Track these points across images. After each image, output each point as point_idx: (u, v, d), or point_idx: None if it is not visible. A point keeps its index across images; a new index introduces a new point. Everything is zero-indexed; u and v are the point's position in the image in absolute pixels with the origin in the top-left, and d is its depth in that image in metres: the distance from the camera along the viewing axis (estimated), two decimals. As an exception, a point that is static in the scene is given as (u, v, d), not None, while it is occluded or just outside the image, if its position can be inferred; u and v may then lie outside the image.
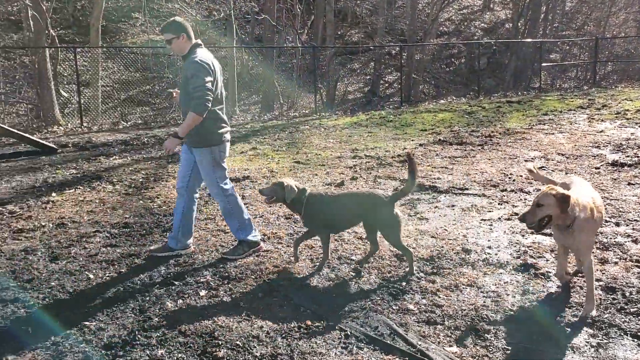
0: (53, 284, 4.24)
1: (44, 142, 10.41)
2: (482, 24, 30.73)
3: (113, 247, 5.04)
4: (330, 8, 21.40)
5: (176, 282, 4.18)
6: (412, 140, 10.53)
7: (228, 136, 4.64)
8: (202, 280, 4.23)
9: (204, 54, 4.41)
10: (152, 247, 4.93)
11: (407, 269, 4.31)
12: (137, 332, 3.40)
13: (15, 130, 10.76)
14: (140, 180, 7.78)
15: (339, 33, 26.50)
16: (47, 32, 15.77)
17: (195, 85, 4.24)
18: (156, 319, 3.60)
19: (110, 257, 4.79)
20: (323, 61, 21.61)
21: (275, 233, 5.32)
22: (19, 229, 5.66)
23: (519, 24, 25.67)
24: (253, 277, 4.29)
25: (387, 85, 24.60)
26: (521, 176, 7.27)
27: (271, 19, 18.86)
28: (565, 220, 3.51)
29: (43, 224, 5.81)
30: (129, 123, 15.29)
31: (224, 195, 4.63)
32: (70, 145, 10.90)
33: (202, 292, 4.01)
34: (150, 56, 22.11)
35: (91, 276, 4.37)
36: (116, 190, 7.22)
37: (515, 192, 6.55)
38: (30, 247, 5.06)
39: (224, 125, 4.57)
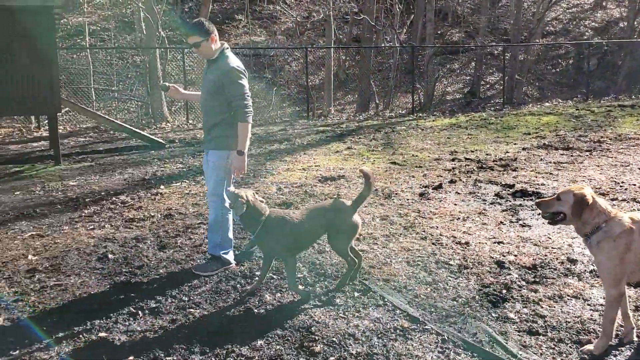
0: (161, 271, 4.49)
1: (153, 137, 11.03)
2: (593, 23, 29.00)
3: (215, 239, 5.25)
4: (431, 7, 21.05)
5: (275, 276, 4.28)
6: (515, 143, 10.14)
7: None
8: (299, 275, 4.30)
9: (236, 59, 4.31)
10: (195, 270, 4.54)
11: (467, 281, 4.15)
12: (237, 322, 3.52)
13: (128, 126, 11.50)
14: (241, 175, 8.04)
15: (439, 32, 26.03)
16: (157, 33, 16.70)
17: (238, 93, 4.16)
18: (255, 310, 3.71)
19: (213, 248, 4.99)
20: (422, 61, 21.32)
21: (371, 234, 5.31)
22: (131, 218, 6.03)
23: (635, 23, 23.97)
24: (349, 275, 4.30)
25: (488, 86, 23.86)
26: (634, 185, 6.79)
27: (370, 19, 18.86)
28: (581, 227, 3.19)
29: (152, 214, 6.16)
30: (230, 121, 15.87)
31: (221, 205, 4.36)
32: (176, 140, 11.49)
33: (299, 287, 4.07)
34: (250, 57, 22.84)
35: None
36: (218, 185, 7.50)
37: (628, 202, 6.12)
38: (140, 236, 5.38)
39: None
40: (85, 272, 4.48)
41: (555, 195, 3.27)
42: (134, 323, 3.58)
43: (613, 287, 3.10)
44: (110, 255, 4.82)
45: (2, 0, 8.48)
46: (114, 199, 6.89)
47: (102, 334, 3.42)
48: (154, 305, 3.82)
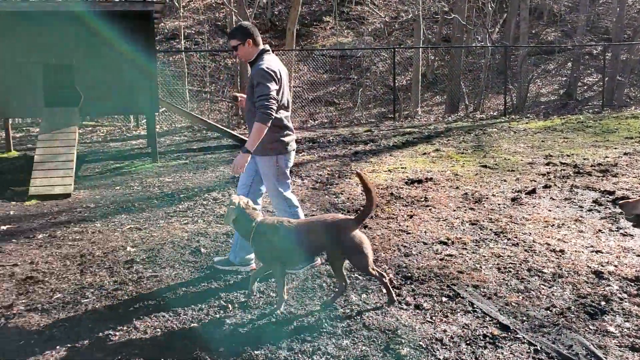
0: (249, 267, 4.60)
1: (243, 137, 11.35)
2: None
3: (302, 238, 5.31)
4: (525, 6, 20.27)
5: (360, 277, 4.27)
6: (615, 148, 9.55)
7: (294, 145, 4.38)
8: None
9: (270, 61, 4.18)
10: (215, 258, 4.70)
11: (562, 290, 3.90)
12: (323, 320, 3.54)
13: (220, 126, 11.90)
14: (326, 176, 8.11)
15: (533, 32, 25.01)
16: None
17: (260, 93, 4.00)
18: (341, 310, 3.71)
19: (300, 246, 5.05)
20: (515, 61, 20.58)
21: (460, 238, 5.18)
22: (222, 214, 6.23)
23: None
24: (436, 280, 4.22)
25: (585, 87, 22.64)
26: None
27: (461, 18, 18.43)
28: None
29: (241, 211, 6.33)
30: (316, 122, 16.06)
31: (287, 206, 4.35)
32: (264, 140, 11.74)
33: (384, 290, 4.04)
34: (337, 58, 22.98)
35: (282, 263, 4.65)
36: (304, 185, 7.60)
37: None
38: (230, 232, 5.54)
39: (289, 133, 4.30)
40: (179, 265, 4.68)
41: None
42: (224, 316, 3.69)
43: None
44: (202, 250, 5.01)
45: (106, 6, 9.03)
46: (206, 195, 7.15)
47: (194, 325, 3.55)
48: (243, 300, 3.92)
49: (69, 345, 3.34)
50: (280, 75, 4.17)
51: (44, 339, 3.43)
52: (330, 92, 21.65)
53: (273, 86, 4.03)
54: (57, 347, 3.32)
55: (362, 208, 3.68)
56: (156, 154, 9.79)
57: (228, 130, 11.66)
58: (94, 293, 4.08)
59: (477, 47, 20.98)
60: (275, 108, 4.02)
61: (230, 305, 3.83)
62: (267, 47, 4.34)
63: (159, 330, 3.50)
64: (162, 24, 23.38)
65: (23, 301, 4.01)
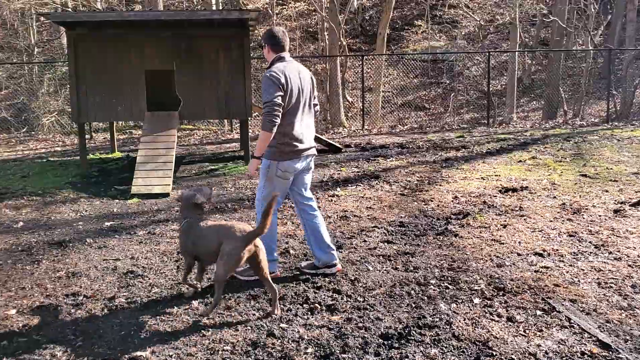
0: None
1: (331, 141, 11.45)
2: None
3: (389, 244, 5.28)
4: (633, 7, 19.06)
5: (450, 286, 4.18)
6: None
7: (297, 154, 4.25)
8: (475, 287, 4.15)
9: (279, 66, 4.14)
10: (302, 263, 4.73)
11: None
12: (411, 328, 3.49)
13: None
14: (415, 182, 8.01)
15: (640, 34, 23.44)
16: (339, 42, 17.33)
17: (264, 100, 4.04)
18: (429, 318, 3.65)
19: (387, 252, 5.02)
20: (619, 65, 19.38)
21: (557, 250, 4.94)
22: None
23: None
24: (530, 292, 4.05)
25: (700, 92, 20.89)
26: None
27: (560, 21, 17.61)
28: None
29: (329, 214, 6.39)
30: (405, 127, 15.92)
31: (260, 209, 4.36)
32: (352, 145, 11.79)
33: (476, 300, 3.93)
34: (429, 62, 22.65)
35: (370, 267, 4.64)
36: (392, 190, 7.55)
37: None
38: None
39: (290, 141, 4.20)
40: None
41: None
42: (312, 317, 3.73)
43: None
44: (291, 251, 5.10)
45: (205, 15, 9.43)
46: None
47: (283, 325, 3.62)
48: (331, 303, 3.94)
49: (166, 338, 3.50)
50: (288, 81, 4.11)
51: (144, 330, 3.62)
52: (420, 96, 21.38)
53: (277, 92, 4.03)
54: (155, 339, 3.49)
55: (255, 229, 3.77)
56: (248, 157, 10.08)
57: (316, 134, 11.81)
58: (189, 289, 4.25)
59: (578, 50, 19.95)
60: (277, 114, 4.03)
61: (318, 307, 3.87)
62: (284, 54, 4.27)
63: (249, 327, 3.60)
64: (256, 31, 24.08)
65: (124, 294, 4.26)
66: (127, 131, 15.95)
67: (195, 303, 4.02)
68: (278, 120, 4.05)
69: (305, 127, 4.32)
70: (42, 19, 21.70)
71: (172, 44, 9.67)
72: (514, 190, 7.25)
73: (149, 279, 4.56)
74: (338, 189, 7.76)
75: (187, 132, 15.33)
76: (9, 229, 6.32)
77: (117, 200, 7.65)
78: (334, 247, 4.53)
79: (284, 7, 25.47)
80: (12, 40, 21.66)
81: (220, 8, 20.34)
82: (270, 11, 23.40)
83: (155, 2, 16.12)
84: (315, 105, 4.48)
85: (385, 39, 17.86)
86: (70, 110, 12.13)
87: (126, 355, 3.28)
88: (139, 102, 9.62)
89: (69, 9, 20.58)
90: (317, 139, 11.38)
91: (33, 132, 15.92)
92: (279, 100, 4.03)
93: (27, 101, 17.87)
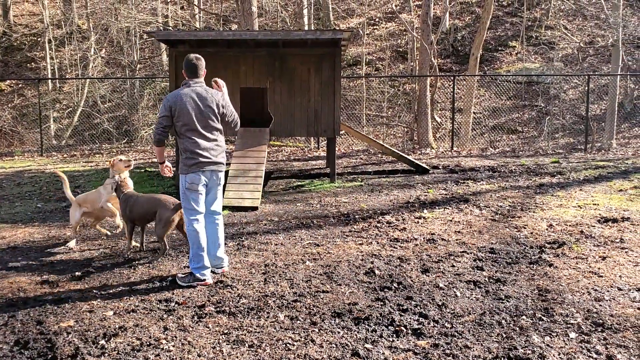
0: (423, 295, 4.53)
1: (418, 162, 11.32)
2: None
3: (479, 270, 5.12)
4: None
5: (544, 318, 3.98)
6: None
7: (199, 167, 4.77)
8: (571, 321, 3.93)
9: (175, 92, 4.80)
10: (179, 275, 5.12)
11: None
12: (502, 359, 3.35)
13: (395, 150, 12.01)
14: (507, 207, 7.73)
15: None
16: (430, 62, 17.17)
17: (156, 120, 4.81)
18: (521, 349, 3.48)
19: (477, 278, 4.87)
20: None
21: (664, 286, 4.59)
22: (395, 238, 6.25)
23: None
24: (632, 330, 3.78)
25: None
26: None
27: (669, 43, 16.53)
28: None
29: (415, 236, 6.29)
30: (496, 150, 15.46)
31: (188, 222, 4.87)
32: (440, 167, 11.58)
33: (572, 334, 3.72)
34: (523, 84, 21.95)
35: (458, 293, 4.51)
36: (482, 215, 7.33)
37: None
38: (404, 256, 5.54)
39: (192, 156, 4.76)
40: (353, 284, 4.77)
41: None
42: (397, 340, 3.67)
43: None
44: (376, 271, 5.06)
45: (299, 35, 9.65)
46: (380, 218, 7.23)
47: (368, 345, 3.58)
48: (417, 327, 3.86)
49: (252, 349, 3.56)
50: (176, 106, 4.71)
51: (231, 340, 3.71)
52: (512, 119, 20.71)
53: (162, 113, 4.77)
54: (242, 349, 3.56)
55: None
56: (334, 175, 10.16)
57: (403, 154, 11.71)
58: (276, 302, 4.31)
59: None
60: (159, 132, 4.80)
61: (404, 330, 3.80)
62: (193, 80, 4.85)
63: (333, 345, 3.59)
64: (347, 51, 24.36)
65: (213, 303, 4.39)
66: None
67: (281, 316, 4.07)
68: (161, 137, 4.84)
69: (207, 143, 4.84)
70: (145, 36, 23.08)
71: (266, 63, 9.97)
72: (615, 220, 6.83)
73: (237, 289, 4.67)
74: (425, 210, 7.64)
75: (276, 148, 15.69)
76: (107, 236, 6.70)
77: (208, 212, 7.93)
78: (213, 264, 5.05)
79: (375, 27, 25.65)
80: (117, 56, 23.17)
81: (313, 28, 20.78)
82: (360, 31, 23.62)
83: (251, 22, 16.71)
84: (230, 122, 5.03)
85: (478, 59, 17.51)
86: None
87: (214, 363, 3.37)
88: (232, 118, 9.94)
89: (169, 27, 21.78)
90: (404, 159, 11.30)
91: (132, 143, 16.89)
92: (163, 120, 4.77)
93: (128, 114, 19.02)
